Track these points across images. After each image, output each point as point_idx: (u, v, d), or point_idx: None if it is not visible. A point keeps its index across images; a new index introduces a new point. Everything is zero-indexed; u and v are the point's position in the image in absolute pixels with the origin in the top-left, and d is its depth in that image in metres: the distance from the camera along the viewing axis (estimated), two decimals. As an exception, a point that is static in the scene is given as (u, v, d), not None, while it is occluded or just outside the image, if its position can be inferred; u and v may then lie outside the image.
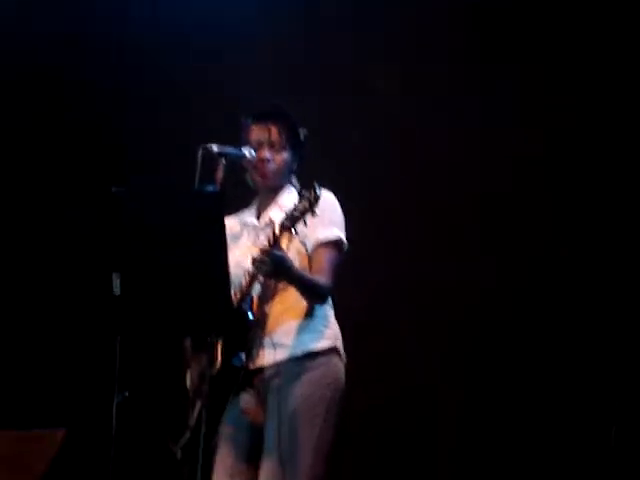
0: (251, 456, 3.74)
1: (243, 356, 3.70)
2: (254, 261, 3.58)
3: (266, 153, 3.82)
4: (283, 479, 3.64)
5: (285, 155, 3.84)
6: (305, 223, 3.54)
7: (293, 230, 3.56)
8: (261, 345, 3.72)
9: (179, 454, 3.73)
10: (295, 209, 3.55)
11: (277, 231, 3.55)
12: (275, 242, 3.56)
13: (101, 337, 3.44)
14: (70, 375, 5.28)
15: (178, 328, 3.45)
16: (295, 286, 3.70)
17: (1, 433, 3.24)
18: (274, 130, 3.82)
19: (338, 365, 3.77)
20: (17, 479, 3.20)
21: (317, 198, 3.53)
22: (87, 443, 4.95)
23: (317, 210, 3.55)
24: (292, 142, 3.85)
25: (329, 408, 3.71)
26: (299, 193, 3.63)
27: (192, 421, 3.72)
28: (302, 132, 3.90)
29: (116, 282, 3.24)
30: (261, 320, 3.73)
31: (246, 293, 3.69)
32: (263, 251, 3.57)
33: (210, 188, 3.57)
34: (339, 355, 3.79)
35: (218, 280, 3.30)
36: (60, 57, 5.45)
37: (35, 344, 4.79)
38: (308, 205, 3.53)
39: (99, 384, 3.93)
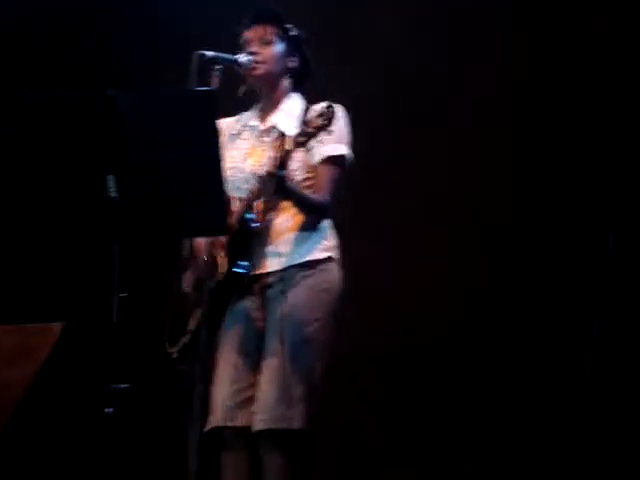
0: (254, 358, 3.81)
1: (245, 263, 3.75)
2: (258, 178, 3.63)
3: (254, 47, 3.86)
4: (284, 377, 3.70)
5: (274, 48, 3.88)
6: (320, 141, 3.61)
7: (305, 145, 3.61)
8: (263, 253, 3.81)
9: (175, 355, 3.81)
10: (310, 124, 3.57)
11: (289, 146, 3.57)
12: (283, 160, 3.58)
13: (99, 240, 3.43)
14: (69, 273, 5.32)
15: (174, 229, 3.43)
16: (294, 204, 3.76)
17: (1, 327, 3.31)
18: (260, 28, 3.87)
19: (335, 272, 3.86)
20: (17, 372, 3.30)
21: (333, 115, 3.55)
22: (84, 338, 5.02)
23: (326, 135, 3.56)
24: (280, 36, 3.89)
25: (328, 310, 3.81)
26: (312, 106, 3.69)
27: (191, 325, 3.77)
28: (293, 28, 3.92)
29: (111, 185, 3.24)
30: (264, 229, 3.78)
31: (250, 205, 3.72)
32: (268, 172, 3.60)
33: (202, 88, 3.58)
34: (336, 264, 3.88)
35: (212, 178, 3.28)
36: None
37: (34, 246, 4.79)
38: (325, 122, 3.54)
39: (98, 284, 4.00)
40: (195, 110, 3.29)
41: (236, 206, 3.75)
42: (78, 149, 3.24)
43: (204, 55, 3.67)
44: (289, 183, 3.67)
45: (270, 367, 3.74)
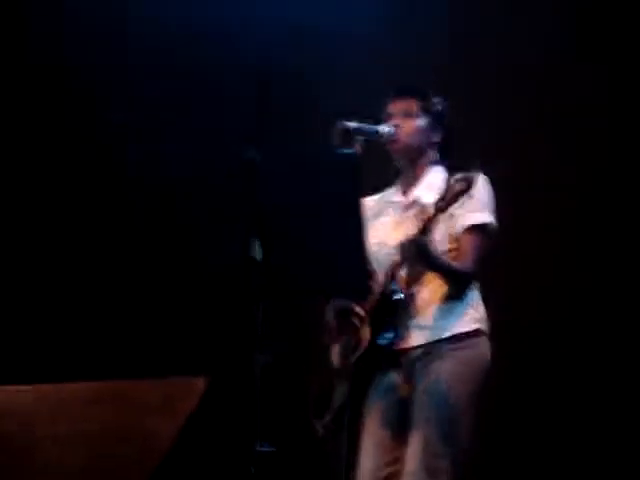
0: (400, 431, 3.81)
1: (390, 335, 3.76)
2: (400, 245, 3.65)
3: (396, 120, 3.88)
4: (430, 451, 3.70)
5: (418, 121, 3.89)
6: (461, 205, 3.58)
7: (447, 211, 3.60)
8: (408, 326, 3.79)
9: (321, 432, 3.85)
10: (450, 190, 3.57)
11: (431, 213, 3.59)
12: (425, 226, 3.61)
13: (244, 301, 3.45)
14: (215, 330, 5.37)
15: (317, 290, 3.49)
16: (437, 273, 3.74)
17: (147, 381, 3.38)
18: (403, 101, 3.90)
19: (484, 346, 3.83)
20: (162, 424, 3.35)
21: (472, 180, 3.54)
22: (231, 394, 5.00)
23: (472, 192, 3.57)
24: (425, 109, 3.89)
25: (475, 386, 3.78)
26: (453, 175, 3.64)
27: (336, 400, 3.79)
28: (439, 102, 3.93)
29: (255, 247, 3.29)
30: (408, 301, 3.78)
31: (395, 273, 3.74)
32: (410, 239, 3.62)
33: (345, 150, 3.61)
34: (485, 337, 3.84)
35: (354, 240, 3.30)
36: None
37: (182, 302, 4.97)
38: (465, 187, 3.55)
39: (243, 344, 4.02)
40: (337, 172, 3.32)
41: (380, 279, 3.77)
42: (224, 212, 3.36)
43: (347, 125, 3.71)
44: (432, 250, 3.67)
45: (416, 441, 3.74)
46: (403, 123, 3.88)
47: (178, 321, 5.30)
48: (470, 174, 3.55)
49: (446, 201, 3.58)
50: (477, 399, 3.79)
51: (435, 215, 3.60)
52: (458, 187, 3.55)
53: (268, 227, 3.30)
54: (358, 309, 3.81)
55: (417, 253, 3.63)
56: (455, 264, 3.76)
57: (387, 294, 3.75)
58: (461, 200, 3.57)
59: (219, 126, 5.33)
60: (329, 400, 3.80)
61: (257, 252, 3.32)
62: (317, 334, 3.98)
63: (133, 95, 5.49)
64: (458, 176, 3.60)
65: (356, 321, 3.80)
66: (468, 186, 3.54)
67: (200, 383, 3.34)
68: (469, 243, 3.78)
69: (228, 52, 5.49)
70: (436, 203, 3.59)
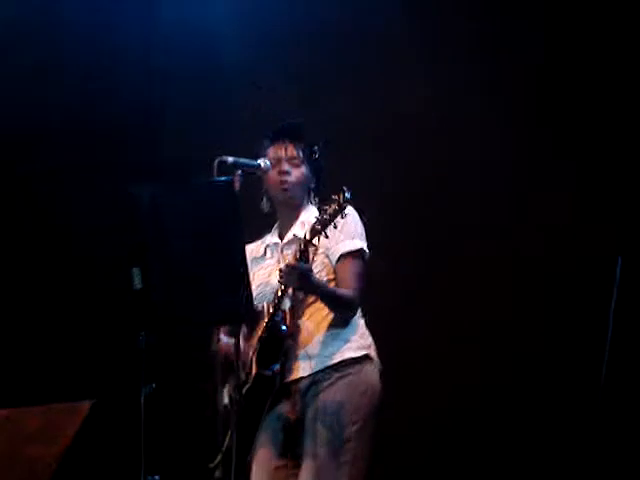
0: (288, 451, 3.86)
1: (276, 366, 3.80)
2: (281, 273, 3.67)
3: (285, 166, 3.92)
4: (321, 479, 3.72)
5: (304, 169, 3.95)
6: (335, 226, 3.58)
7: (324, 234, 3.60)
8: (295, 358, 3.83)
9: (218, 473, 3.81)
10: (325, 212, 3.59)
11: (308, 236, 3.62)
12: (302, 254, 3.64)
13: (126, 331, 3.53)
14: (98, 358, 5.33)
15: (201, 317, 3.49)
16: (322, 299, 3.79)
17: (28, 409, 3.38)
18: (291, 147, 3.95)
19: (372, 372, 3.86)
20: (43, 450, 3.36)
21: (346, 200, 3.55)
22: (114, 418, 5.08)
23: (341, 219, 3.58)
24: (308, 159, 3.96)
25: (367, 412, 3.80)
26: (327, 199, 3.63)
27: (228, 442, 3.77)
28: (315, 150, 3.99)
29: (137, 277, 3.33)
30: (294, 333, 3.82)
31: (277, 307, 3.78)
32: (290, 264, 3.66)
33: (221, 178, 3.62)
34: (373, 362, 3.87)
35: (236, 267, 3.34)
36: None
37: (63, 329, 4.92)
38: (337, 207, 3.56)
39: (127, 372, 4.05)
40: (214, 200, 3.38)
41: (265, 312, 3.82)
42: (103, 244, 3.41)
43: (226, 161, 3.72)
44: (313, 276, 3.72)
45: (308, 469, 3.77)
46: (292, 170, 3.95)
47: (63, 348, 5.26)
48: (342, 194, 3.57)
49: (321, 223, 3.61)
50: (372, 422, 3.82)
51: (311, 239, 3.64)
52: (331, 209, 3.59)
53: (151, 257, 3.35)
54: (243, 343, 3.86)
55: (299, 278, 3.66)
56: (339, 290, 3.82)
57: (272, 327, 3.81)
58: (337, 221, 3.60)
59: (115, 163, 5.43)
60: (222, 441, 3.82)
61: (137, 281, 3.36)
62: (203, 368, 4.03)
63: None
64: (332, 197, 3.63)
65: (243, 354, 3.83)
66: (339, 206, 3.57)
67: (83, 408, 3.35)
68: (347, 270, 3.83)
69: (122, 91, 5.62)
70: (312, 226, 3.63)
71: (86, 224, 3.27)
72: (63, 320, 4.15)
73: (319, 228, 3.61)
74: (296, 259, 3.68)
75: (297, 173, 3.95)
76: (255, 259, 4.01)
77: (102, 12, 5.64)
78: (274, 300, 3.79)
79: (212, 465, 3.84)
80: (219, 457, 3.81)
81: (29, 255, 5.04)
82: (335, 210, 3.58)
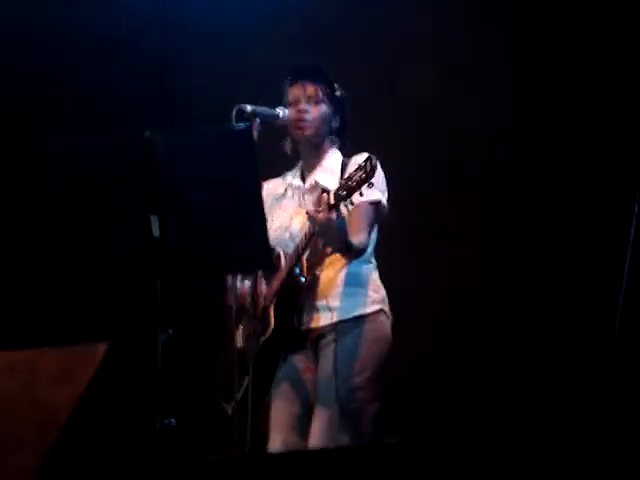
0: (307, 408, 3.96)
1: (295, 317, 3.88)
2: (315, 223, 3.65)
3: (303, 105, 3.91)
4: (334, 425, 3.84)
5: (323, 107, 3.94)
6: (361, 194, 3.59)
7: (349, 200, 3.61)
8: (314, 308, 3.91)
9: (230, 411, 3.91)
10: (351, 179, 3.58)
11: (332, 201, 3.61)
12: (329, 210, 3.62)
13: (144, 278, 3.54)
14: (115, 302, 5.42)
15: (218, 264, 3.50)
16: (338, 250, 3.81)
17: (45, 349, 3.38)
18: (310, 86, 3.95)
19: (385, 324, 3.97)
20: (61, 393, 3.37)
21: (374, 169, 3.55)
22: (130, 362, 5.16)
23: (367, 188, 3.58)
24: (329, 96, 3.93)
25: (380, 360, 3.92)
26: (350, 159, 3.74)
27: (242, 383, 3.84)
28: (339, 90, 3.97)
29: (155, 224, 3.34)
30: (312, 284, 3.89)
31: (298, 257, 3.82)
32: (327, 218, 3.60)
33: (239, 125, 3.64)
34: (386, 315, 3.99)
35: (253, 212, 3.33)
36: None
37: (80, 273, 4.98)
38: (365, 176, 3.55)
39: (143, 318, 4.05)
40: (232, 146, 3.35)
41: (283, 262, 3.86)
42: (121, 191, 3.35)
43: (244, 108, 3.75)
44: (340, 228, 3.69)
45: (321, 416, 3.87)
46: (310, 108, 3.93)
47: (79, 291, 5.32)
48: (369, 160, 3.57)
49: (347, 189, 3.60)
50: (382, 371, 3.92)
51: (335, 204, 3.63)
52: (358, 176, 3.58)
53: (168, 204, 3.35)
54: (260, 290, 3.90)
55: (333, 232, 3.66)
56: (353, 240, 3.80)
57: (291, 277, 3.85)
58: (363, 189, 3.60)
59: (123, 113, 5.45)
60: (234, 383, 3.84)
61: (156, 229, 3.37)
62: (219, 316, 4.06)
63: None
64: (357, 161, 3.65)
65: (260, 301, 3.87)
66: (367, 174, 3.57)
67: (100, 349, 3.35)
68: (359, 215, 3.83)
69: (132, 44, 5.64)
70: (336, 192, 3.61)
71: (102, 172, 3.28)
72: (82, 266, 4.14)
73: (344, 194, 3.59)
74: (326, 208, 3.63)
75: (316, 111, 3.93)
76: (275, 198, 4.01)
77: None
78: (297, 250, 3.80)
79: (227, 407, 3.89)
80: (234, 400, 3.83)
81: (48, 205, 5.10)
82: (362, 178, 3.56)
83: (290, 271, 3.85)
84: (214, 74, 5.57)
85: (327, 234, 3.68)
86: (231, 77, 5.45)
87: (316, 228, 3.66)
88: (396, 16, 5.30)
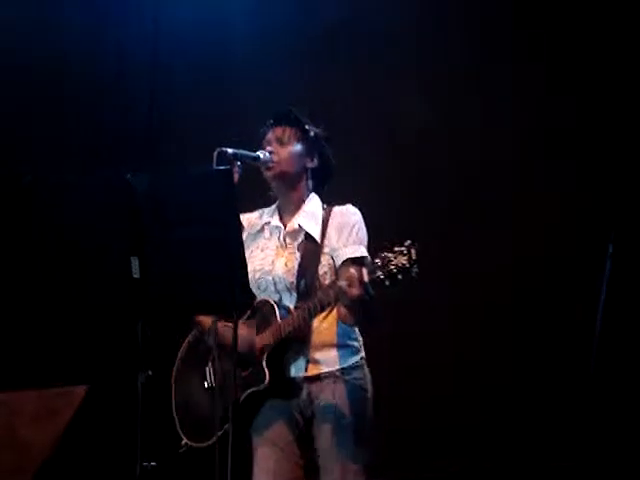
0: (294, 453, 3.98)
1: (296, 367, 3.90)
2: (341, 292, 3.65)
3: (271, 147, 4.00)
4: (344, 475, 3.88)
5: (290, 148, 4.00)
6: (398, 281, 3.57)
7: (387, 283, 3.59)
8: (301, 358, 3.94)
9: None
10: (391, 261, 3.58)
11: (366, 278, 3.60)
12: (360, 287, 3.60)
13: (124, 320, 3.54)
14: (96, 345, 5.42)
15: (197, 307, 3.53)
16: (357, 318, 3.85)
17: (26, 392, 3.39)
18: (278, 129, 4.02)
19: (367, 371, 4.03)
20: (39, 433, 3.39)
21: (416, 262, 3.56)
22: (110, 404, 5.11)
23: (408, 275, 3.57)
24: (299, 137, 4.01)
25: (370, 407, 3.97)
26: (330, 206, 3.81)
27: (218, 422, 3.74)
28: (313, 130, 4.04)
29: (135, 265, 3.34)
30: (306, 333, 3.92)
31: (312, 316, 3.84)
32: (362, 292, 3.59)
33: (219, 167, 3.67)
34: (365, 363, 4.04)
35: (233, 256, 3.34)
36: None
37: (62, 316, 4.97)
38: (408, 266, 3.57)
39: (123, 359, 4.10)
40: (213, 188, 3.38)
41: (279, 317, 3.87)
42: (101, 232, 3.36)
43: (225, 152, 3.78)
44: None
45: (328, 469, 3.92)
46: (278, 150, 4.01)
47: (61, 334, 5.34)
48: (412, 246, 3.58)
49: (385, 275, 3.59)
50: (371, 414, 3.98)
51: (369, 282, 3.63)
52: (399, 262, 3.57)
53: (148, 245, 3.36)
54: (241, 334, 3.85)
55: (358, 300, 3.66)
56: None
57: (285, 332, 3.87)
58: (403, 275, 3.59)
59: (109, 152, 5.48)
60: (211, 425, 3.81)
61: (136, 270, 3.38)
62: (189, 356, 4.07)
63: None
64: (342, 215, 3.88)
65: (244, 347, 3.85)
66: (410, 265, 3.56)
67: (79, 392, 3.38)
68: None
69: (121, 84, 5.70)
70: (374, 272, 3.60)
71: (84, 211, 3.29)
72: (62, 307, 4.14)
73: (380, 277, 3.61)
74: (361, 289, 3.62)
75: (283, 152, 4.00)
76: (250, 234, 4.05)
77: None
78: (314, 309, 3.80)
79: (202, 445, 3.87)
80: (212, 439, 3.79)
81: (27, 242, 5.11)
82: (403, 265, 3.57)
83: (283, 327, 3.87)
84: (199, 115, 5.64)
85: (355, 309, 3.76)
86: (218, 119, 5.51)
87: (346, 302, 3.70)
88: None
